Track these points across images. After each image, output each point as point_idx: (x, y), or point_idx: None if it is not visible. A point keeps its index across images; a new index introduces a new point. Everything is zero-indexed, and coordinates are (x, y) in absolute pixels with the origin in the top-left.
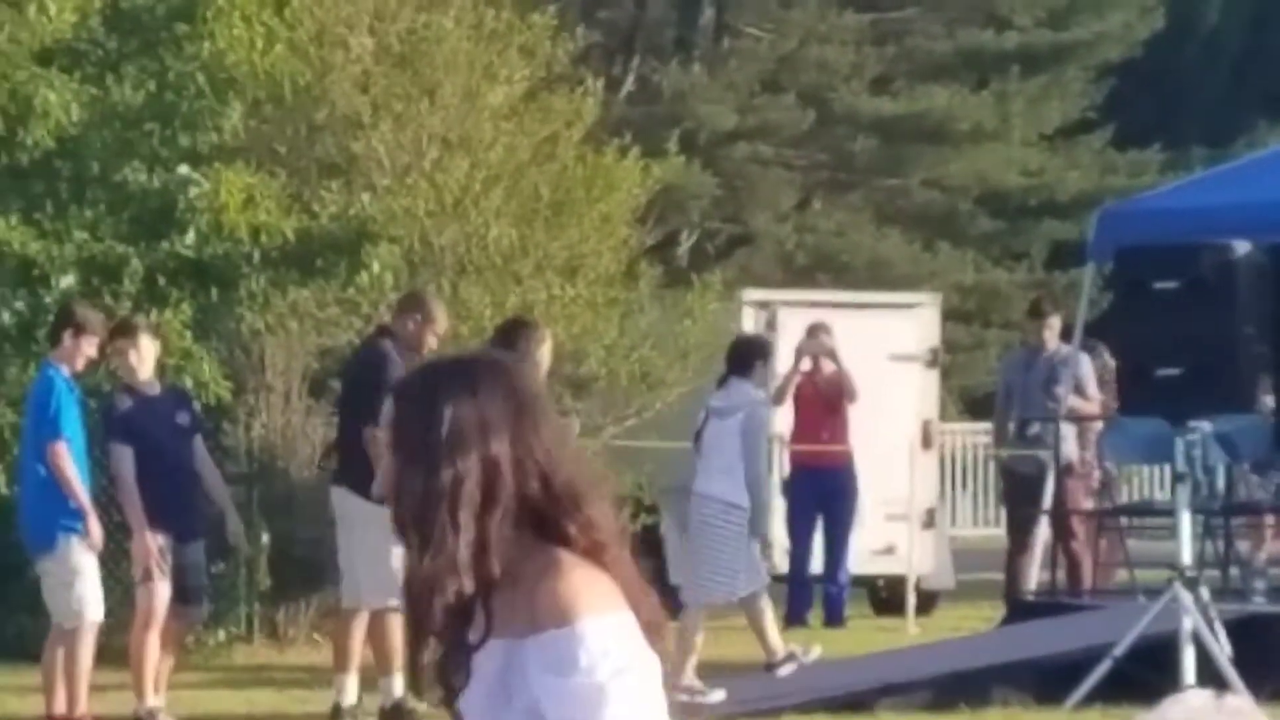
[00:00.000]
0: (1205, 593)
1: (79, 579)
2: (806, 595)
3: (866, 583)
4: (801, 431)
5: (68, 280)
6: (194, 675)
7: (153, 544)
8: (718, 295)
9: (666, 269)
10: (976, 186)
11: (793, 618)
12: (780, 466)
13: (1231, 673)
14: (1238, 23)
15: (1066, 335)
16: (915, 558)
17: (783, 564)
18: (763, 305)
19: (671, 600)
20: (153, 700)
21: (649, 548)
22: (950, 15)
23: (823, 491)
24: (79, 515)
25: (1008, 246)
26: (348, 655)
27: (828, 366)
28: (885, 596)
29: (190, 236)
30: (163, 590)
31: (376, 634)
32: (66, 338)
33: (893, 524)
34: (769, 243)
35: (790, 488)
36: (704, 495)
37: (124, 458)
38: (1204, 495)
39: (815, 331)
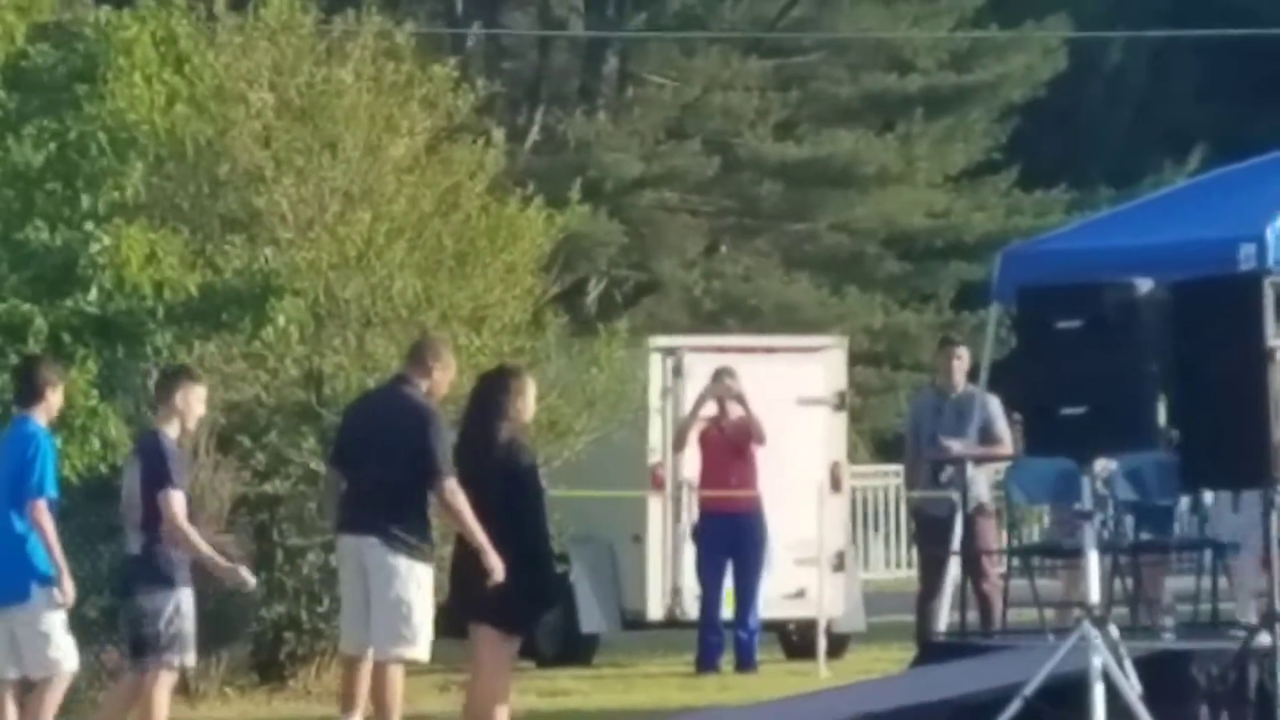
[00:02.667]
0: (1114, 630)
1: (56, 631)
2: (718, 641)
3: (777, 627)
4: (709, 477)
5: None
6: None
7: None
8: (624, 343)
9: (574, 318)
10: (883, 229)
11: (704, 664)
12: (689, 512)
13: (1141, 710)
14: (1140, 63)
15: (973, 376)
16: (826, 601)
17: (693, 610)
18: (669, 351)
19: (581, 648)
20: None
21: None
22: (853, 59)
23: (732, 537)
24: (53, 571)
25: (915, 288)
26: (354, 700)
27: (735, 411)
28: (796, 640)
29: (93, 293)
30: None
31: (379, 684)
32: (49, 392)
33: (803, 568)
34: (676, 289)
35: (699, 533)
36: None
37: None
38: (1112, 533)
39: (720, 375)
